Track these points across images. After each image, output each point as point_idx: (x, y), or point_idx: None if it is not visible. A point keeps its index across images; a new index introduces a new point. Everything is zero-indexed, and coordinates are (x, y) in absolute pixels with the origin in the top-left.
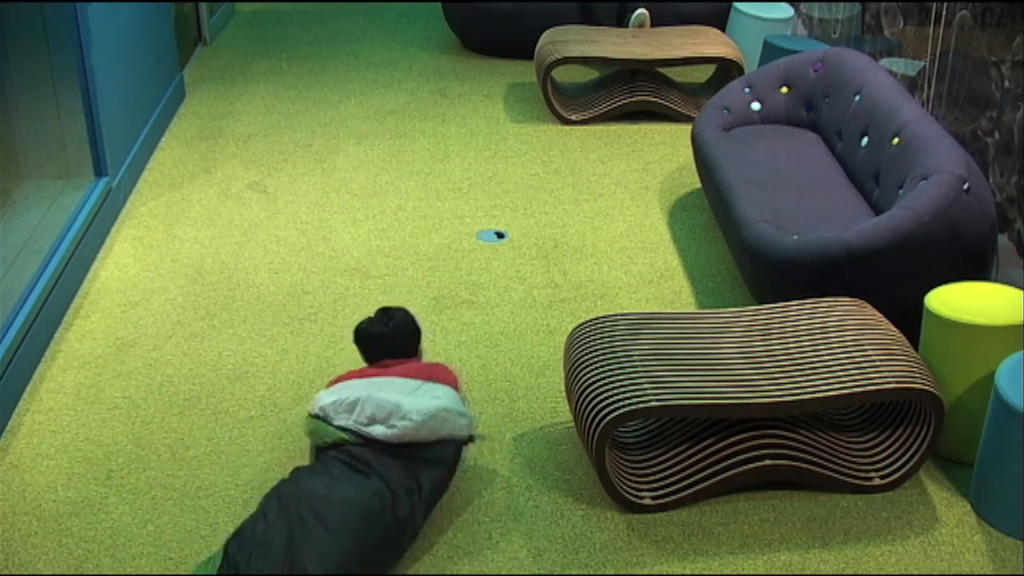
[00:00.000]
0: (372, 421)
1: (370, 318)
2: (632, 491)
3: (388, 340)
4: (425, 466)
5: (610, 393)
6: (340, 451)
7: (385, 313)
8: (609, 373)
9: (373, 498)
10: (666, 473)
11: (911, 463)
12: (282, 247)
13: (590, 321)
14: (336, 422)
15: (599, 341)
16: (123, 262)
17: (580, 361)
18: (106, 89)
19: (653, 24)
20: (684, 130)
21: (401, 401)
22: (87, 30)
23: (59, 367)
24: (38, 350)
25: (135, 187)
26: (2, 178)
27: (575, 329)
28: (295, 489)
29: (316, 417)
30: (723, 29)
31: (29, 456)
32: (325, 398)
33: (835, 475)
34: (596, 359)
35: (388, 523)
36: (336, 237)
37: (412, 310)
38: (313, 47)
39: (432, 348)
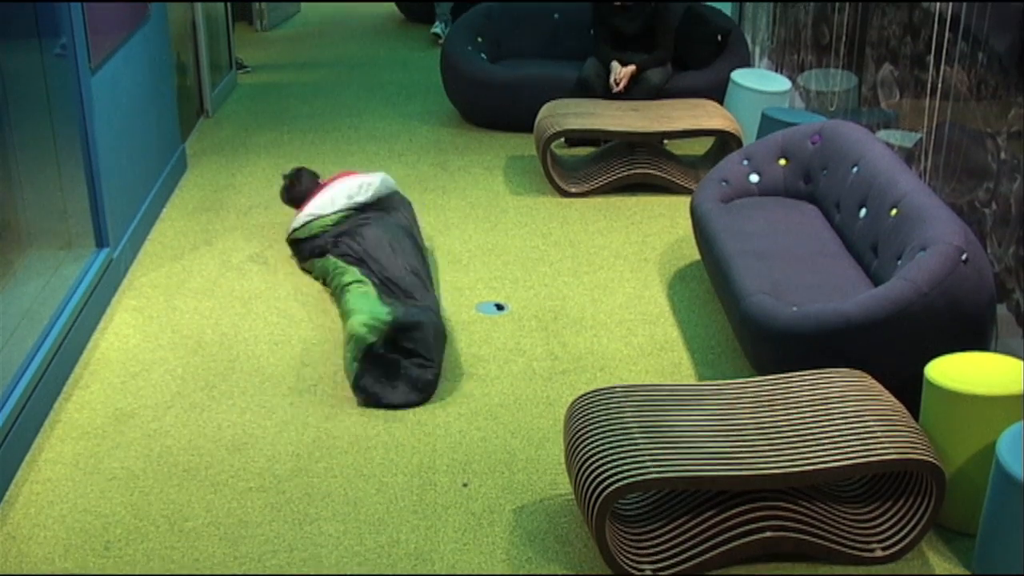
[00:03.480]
0: (351, 198)
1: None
2: (633, 563)
3: (297, 183)
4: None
5: (610, 465)
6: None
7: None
8: (609, 445)
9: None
10: (667, 545)
11: (913, 534)
12: (282, 319)
13: (590, 393)
14: (329, 212)
15: (599, 413)
16: (123, 332)
17: (580, 433)
18: (108, 160)
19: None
20: (683, 202)
21: (359, 183)
22: (90, 101)
23: (58, 437)
24: (37, 420)
25: (136, 258)
26: (4, 248)
27: (575, 401)
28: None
29: (302, 226)
30: (721, 102)
31: (27, 526)
32: (302, 218)
33: (837, 547)
34: (596, 431)
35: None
36: (336, 309)
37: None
38: (314, 119)
39: (431, 420)
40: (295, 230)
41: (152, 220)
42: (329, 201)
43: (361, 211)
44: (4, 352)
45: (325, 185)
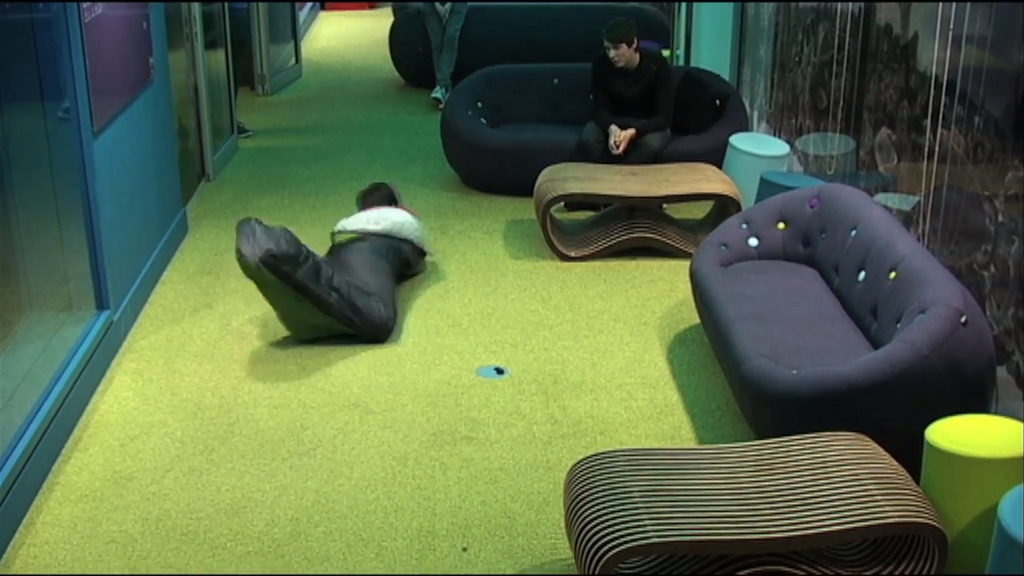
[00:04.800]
0: (367, 223)
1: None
2: None
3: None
4: (398, 245)
5: (611, 529)
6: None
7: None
8: (609, 509)
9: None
10: None
11: None
12: (282, 382)
13: (590, 457)
14: (349, 227)
15: (599, 477)
16: (123, 395)
17: (580, 497)
18: (109, 223)
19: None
20: (682, 266)
21: (382, 215)
22: (92, 164)
23: (56, 500)
24: (36, 482)
25: (136, 321)
26: (4, 310)
27: (575, 465)
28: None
29: (338, 232)
30: (720, 166)
31: None
32: (342, 223)
33: None
34: (596, 495)
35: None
36: (336, 372)
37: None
38: (315, 183)
39: (431, 484)
40: (334, 233)
41: (153, 283)
42: (355, 220)
43: (362, 239)
44: (3, 414)
45: (371, 207)
